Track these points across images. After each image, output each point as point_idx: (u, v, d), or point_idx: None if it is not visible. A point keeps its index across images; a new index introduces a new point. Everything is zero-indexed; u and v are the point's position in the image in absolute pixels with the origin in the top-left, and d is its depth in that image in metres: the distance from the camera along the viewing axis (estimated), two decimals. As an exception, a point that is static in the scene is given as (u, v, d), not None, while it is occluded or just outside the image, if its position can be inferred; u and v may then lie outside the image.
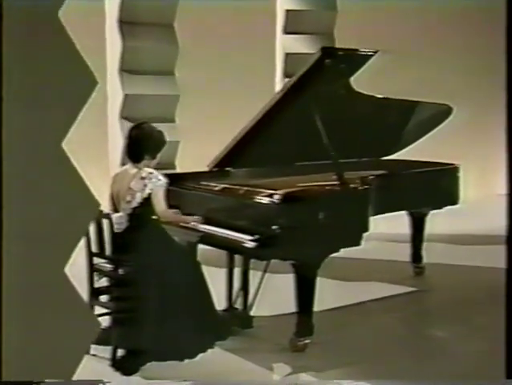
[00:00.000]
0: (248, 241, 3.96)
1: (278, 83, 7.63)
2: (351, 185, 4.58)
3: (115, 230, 4.08)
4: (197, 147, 7.53)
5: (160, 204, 4.07)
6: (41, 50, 2.38)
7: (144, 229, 4.08)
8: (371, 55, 4.43)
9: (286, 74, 7.62)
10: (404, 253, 6.04)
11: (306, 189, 4.33)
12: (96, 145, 6.86)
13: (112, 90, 6.72)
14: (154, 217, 4.11)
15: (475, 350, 4.26)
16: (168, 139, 6.63)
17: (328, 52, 4.27)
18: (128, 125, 6.68)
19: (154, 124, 6.61)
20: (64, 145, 2.44)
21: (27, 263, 2.36)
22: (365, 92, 4.82)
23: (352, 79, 4.75)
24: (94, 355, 4.01)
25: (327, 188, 4.40)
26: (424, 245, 6.04)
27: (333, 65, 4.28)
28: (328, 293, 4.69)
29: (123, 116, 6.70)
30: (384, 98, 5.01)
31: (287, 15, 7.67)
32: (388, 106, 5.09)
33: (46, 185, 2.40)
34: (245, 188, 4.50)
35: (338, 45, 7.78)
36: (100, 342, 3.97)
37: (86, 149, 6.95)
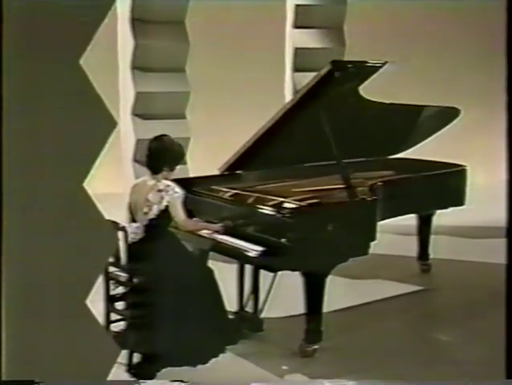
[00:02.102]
0: (257, 253, 4.08)
1: (288, 78, 7.70)
2: (359, 189, 4.72)
3: (131, 240, 4.22)
4: (207, 143, 7.66)
5: (179, 215, 4.18)
6: (61, 93, 2.49)
7: (160, 240, 4.20)
8: (380, 67, 4.50)
9: (296, 69, 7.68)
10: (410, 246, 6.11)
11: (315, 201, 4.43)
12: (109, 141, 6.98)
13: (124, 87, 6.81)
14: (170, 229, 4.23)
15: (475, 350, 4.39)
16: (178, 135, 6.80)
17: (338, 66, 4.35)
18: (140, 122, 6.84)
19: (165, 120, 6.78)
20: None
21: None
22: (373, 99, 4.91)
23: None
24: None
25: (336, 199, 4.52)
26: (432, 238, 6.11)
27: (342, 77, 4.38)
28: (335, 293, 4.70)
29: (135, 113, 6.79)
30: (391, 103, 5.11)
31: (297, 10, 7.70)
32: (395, 111, 5.19)
33: (66, 223, 2.53)
34: (256, 195, 4.63)
35: (347, 39, 7.87)
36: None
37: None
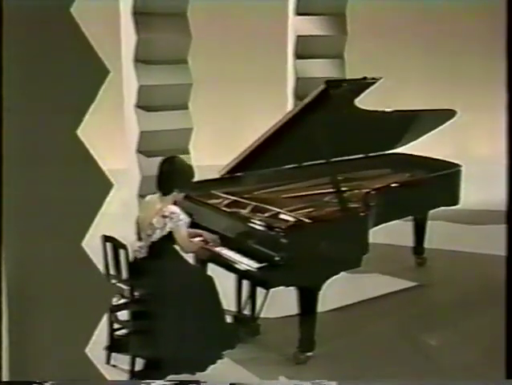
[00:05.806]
0: (251, 268, 4.24)
1: (290, 66, 7.76)
2: (354, 193, 4.87)
3: (135, 256, 4.38)
4: (210, 133, 7.78)
5: (182, 241, 4.29)
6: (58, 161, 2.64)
7: (162, 258, 4.32)
8: (373, 83, 4.61)
9: (298, 56, 7.74)
10: (407, 232, 6.19)
11: (309, 214, 4.58)
12: (113, 131, 7.25)
13: (128, 80, 6.90)
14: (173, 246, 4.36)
15: (475, 351, 4.53)
16: (181, 126, 6.93)
17: (332, 84, 4.46)
18: (144, 114, 6.95)
19: (168, 112, 6.90)
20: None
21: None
22: (369, 108, 5.02)
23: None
24: (114, 366, 4.40)
25: (329, 211, 4.66)
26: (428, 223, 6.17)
27: (337, 94, 4.49)
28: (332, 289, 4.62)
29: (139, 106, 6.91)
30: (386, 112, 5.23)
31: (299, -2, 7.71)
32: (391, 118, 5.30)
33: (66, 278, 2.71)
34: (253, 204, 4.75)
35: (349, 24, 7.89)
36: (119, 350, 4.39)
37: (103, 135, 7.33)
